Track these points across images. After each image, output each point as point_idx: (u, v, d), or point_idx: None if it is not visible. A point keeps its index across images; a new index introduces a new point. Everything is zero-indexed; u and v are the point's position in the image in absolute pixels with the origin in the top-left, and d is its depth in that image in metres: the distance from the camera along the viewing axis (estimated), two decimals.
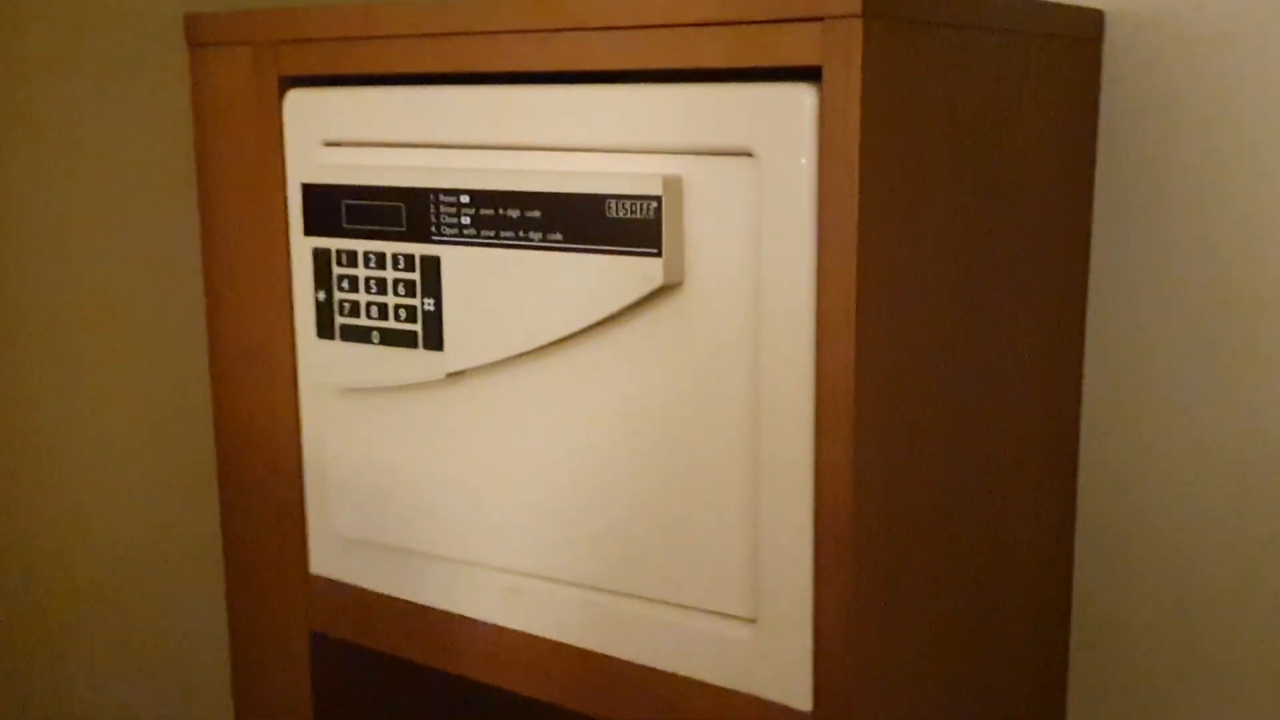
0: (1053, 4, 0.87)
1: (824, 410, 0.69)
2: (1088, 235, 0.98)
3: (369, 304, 0.83)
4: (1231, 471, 0.96)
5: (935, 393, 0.77)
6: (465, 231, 0.78)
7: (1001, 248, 0.83)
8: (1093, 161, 0.97)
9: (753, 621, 0.74)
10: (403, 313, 0.81)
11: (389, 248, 0.81)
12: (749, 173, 0.70)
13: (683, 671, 0.77)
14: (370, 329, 0.83)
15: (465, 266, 0.78)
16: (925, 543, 0.77)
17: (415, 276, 0.80)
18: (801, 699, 0.72)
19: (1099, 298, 0.99)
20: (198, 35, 0.92)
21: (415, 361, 0.82)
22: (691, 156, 0.72)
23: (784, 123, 0.68)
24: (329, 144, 0.86)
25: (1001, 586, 0.89)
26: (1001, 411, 0.86)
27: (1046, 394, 0.94)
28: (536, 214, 0.75)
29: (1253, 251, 0.93)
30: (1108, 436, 1.00)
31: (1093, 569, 1.03)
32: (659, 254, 0.72)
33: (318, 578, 0.94)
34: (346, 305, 0.84)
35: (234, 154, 0.92)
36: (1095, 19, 0.94)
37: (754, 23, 0.68)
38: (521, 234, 0.76)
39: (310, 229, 0.85)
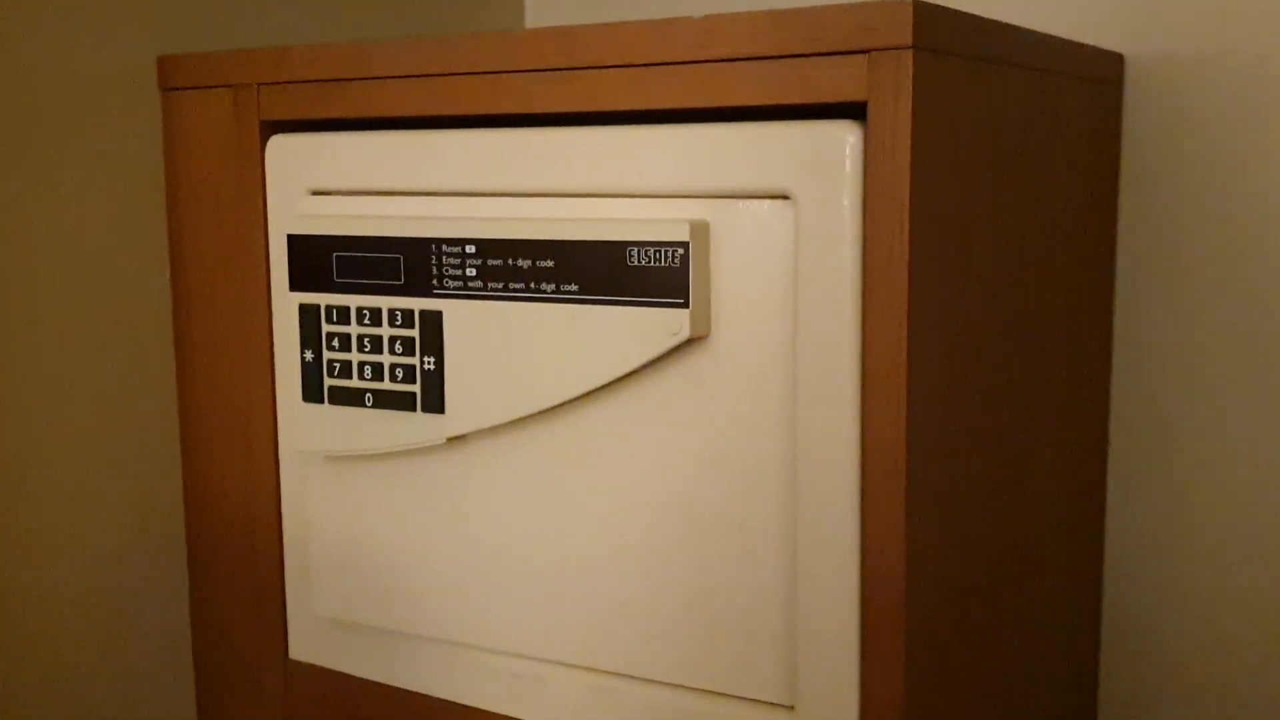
0: (1078, 44, 0.84)
1: (871, 475, 0.63)
2: (1112, 275, 0.94)
3: (362, 364, 0.76)
4: (1260, 527, 0.92)
5: (983, 449, 0.71)
6: (471, 284, 0.72)
7: (1036, 294, 0.78)
8: (1115, 199, 0.93)
9: (791, 709, 0.67)
10: (400, 372, 0.75)
11: (385, 302, 0.75)
12: (783, 217, 0.65)
13: None
14: (363, 391, 0.76)
15: (470, 322, 0.72)
16: (976, 616, 0.72)
17: (414, 333, 0.74)
18: None
19: (1124, 340, 0.95)
20: (172, 78, 0.86)
21: (413, 425, 0.75)
22: (721, 200, 0.66)
23: (825, 163, 0.63)
24: (315, 192, 0.80)
25: (1037, 652, 0.83)
26: (1038, 473, 0.81)
27: (1076, 449, 0.89)
28: (550, 264, 0.69)
29: (1275, 291, 0.89)
30: (1135, 485, 0.96)
31: (1121, 635, 0.97)
32: (686, 305, 0.66)
33: (297, 663, 0.86)
34: (337, 365, 0.77)
35: (211, 205, 0.85)
36: (1116, 61, 0.91)
37: (791, 56, 0.63)
38: (533, 285, 0.70)
39: (297, 283, 0.78)
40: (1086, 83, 0.85)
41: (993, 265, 0.71)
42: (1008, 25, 0.71)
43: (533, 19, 1.19)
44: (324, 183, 0.79)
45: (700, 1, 1.07)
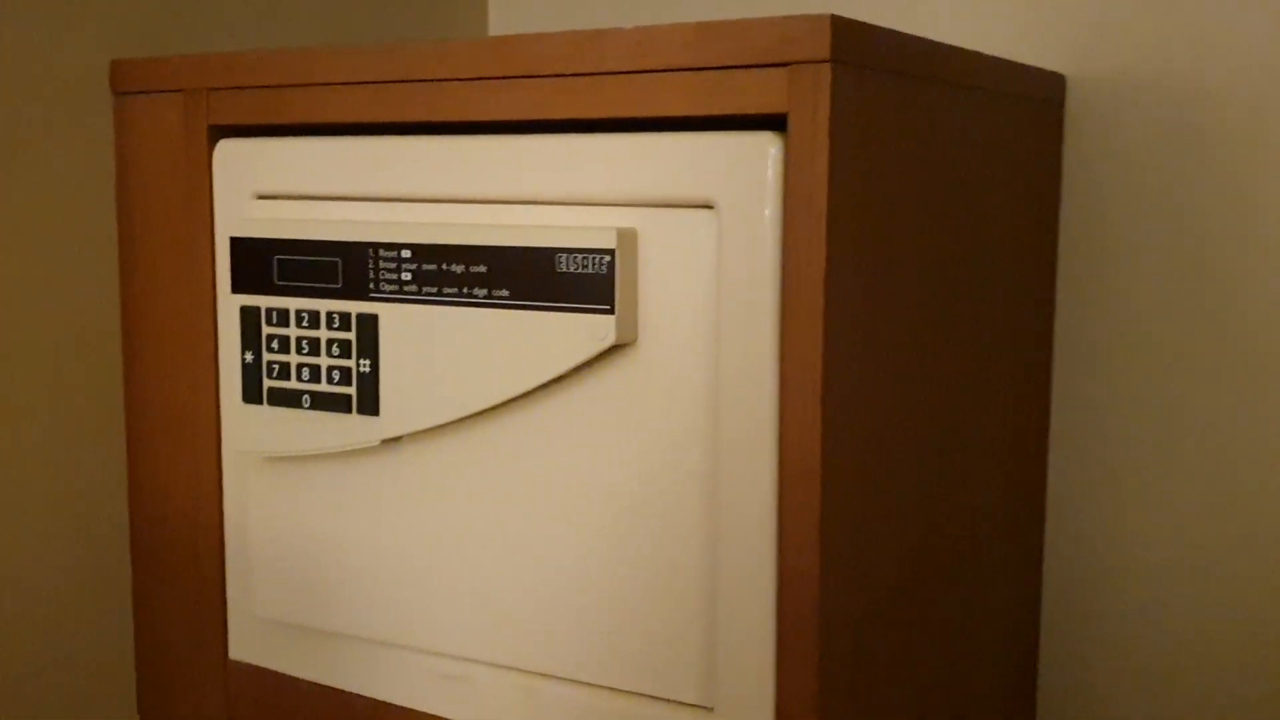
0: (1018, 65, 0.85)
1: (787, 480, 0.64)
2: (1052, 296, 0.95)
3: (300, 366, 0.77)
4: (1200, 532, 0.93)
5: (904, 460, 0.72)
6: (406, 288, 0.73)
7: (968, 306, 0.79)
8: (1056, 218, 0.95)
9: (709, 710, 0.68)
10: (336, 375, 0.76)
11: (323, 305, 0.76)
12: (708, 226, 0.66)
13: None
14: (301, 392, 0.77)
15: (405, 325, 0.73)
16: (900, 617, 0.72)
17: (351, 336, 0.75)
18: None
19: (1064, 353, 0.96)
20: (124, 82, 0.87)
21: (348, 427, 0.76)
22: (648, 209, 0.68)
23: (747, 173, 0.64)
24: (261, 196, 0.81)
25: (971, 652, 0.84)
26: (969, 479, 0.82)
27: (1013, 459, 0.90)
28: (482, 269, 0.70)
29: (1214, 311, 0.91)
30: (1072, 506, 0.97)
31: (1060, 641, 0.98)
32: (611, 311, 0.67)
33: (237, 664, 0.87)
34: (276, 367, 0.78)
35: (160, 207, 0.86)
36: (1058, 82, 0.92)
37: (718, 68, 0.64)
38: (466, 291, 0.71)
39: (239, 285, 0.79)
40: (1026, 102, 0.87)
41: (919, 277, 0.72)
42: (937, 43, 0.72)
43: (496, 27, 1.20)
44: (269, 187, 0.80)
45: (655, 11, 1.09)
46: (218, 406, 0.84)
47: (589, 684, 0.72)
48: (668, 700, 0.70)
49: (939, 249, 0.75)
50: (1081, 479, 0.96)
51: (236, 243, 0.79)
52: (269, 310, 0.78)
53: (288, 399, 0.78)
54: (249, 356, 0.79)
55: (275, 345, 0.78)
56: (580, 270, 0.68)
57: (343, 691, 0.82)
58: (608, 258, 0.67)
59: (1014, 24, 0.95)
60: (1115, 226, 0.93)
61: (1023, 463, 0.92)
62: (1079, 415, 0.96)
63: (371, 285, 0.74)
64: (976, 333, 0.81)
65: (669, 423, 0.68)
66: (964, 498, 0.81)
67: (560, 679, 0.73)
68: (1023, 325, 0.89)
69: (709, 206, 0.66)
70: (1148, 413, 0.94)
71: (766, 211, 0.64)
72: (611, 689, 0.71)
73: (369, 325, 0.74)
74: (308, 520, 0.81)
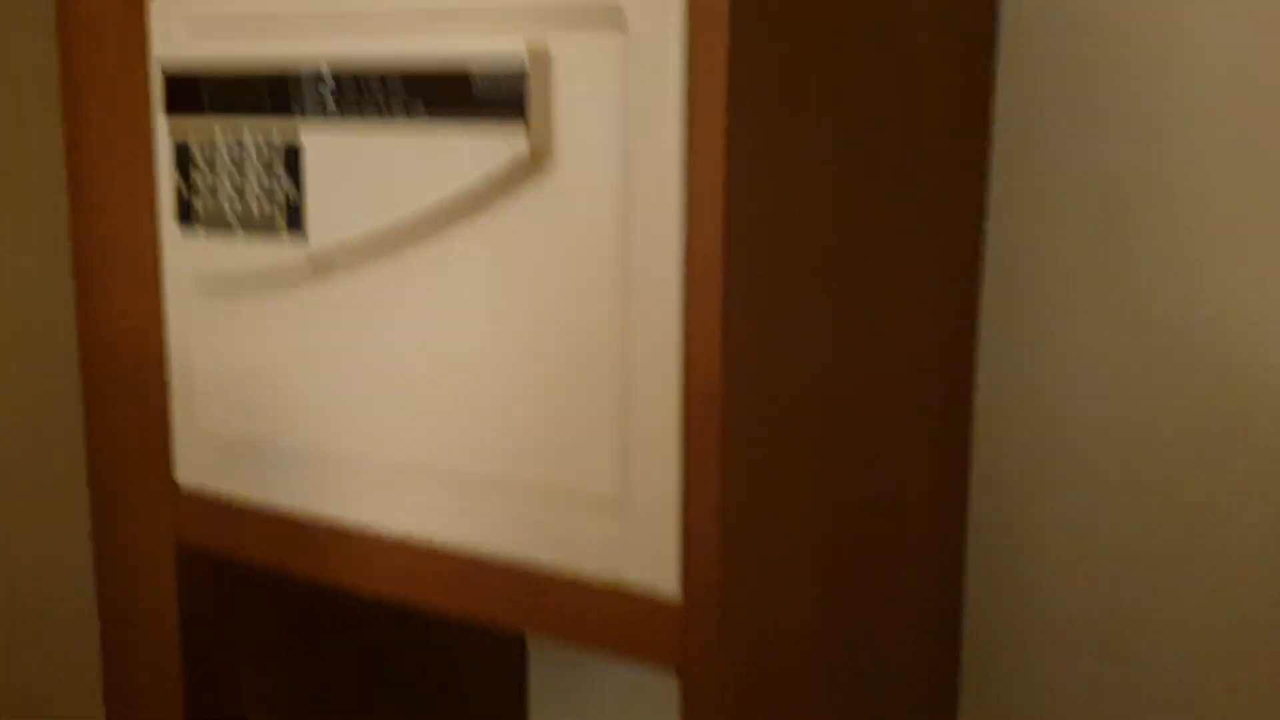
0: None
1: (692, 288, 0.67)
2: (986, 143, 0.97)
3: (230, 189, 0.79)
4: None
5: (812, 271, 0.75)
6: (329, 110, 0.75)
7: (886, 143, 0.81)
8: (991, 82, 0.96)
9: (622, 507, 0.72)
10: (264, 197, 0.78)
11: (251, 128, 0.78)
12: (618, 42, 0.68)
13: (554, 562, 0.74)
14: (231, 215, 0.80)
15: (328, 146, 0.75)
16: (803, 430, 0.76)
17: (277, 158, 0.77)
18: (669, 586, 0.70)
19: (999, 213, 0.98)
20: None
21: (277, 247, 0.78)
22: (561, 30, 0.69)
23: None
24: (194, 23, 0.82)
25: (890, 494, 0.88)
26: (888, 298, 0.84)
27: (941, 287, 0.92)
28: (400, 88, 0.72)
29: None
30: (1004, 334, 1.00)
31: (989, 479, 1.02)
32: (524, 122, 0.69)
33: (184, 487, 0.90)
34: (207, 191, 0.80)
35: (98, 40, 0.88)
36: None
37: None
38: (385, 110, 0.73)
39: (171, 112, 0.81)
40: None
41: (833, 108, 0.74)
42: None
43: None
44: (201, 11, 0.82)
45: None
46: (157, 234, 0.87)
47: (512, 487, 0.75)
48: (585, 499, 0.73)
49: (857, 82, 0.76)
50: (1014, 311, 0.99)
51: (169, 69, 0.81)
52: (199, 136, 0.80)
53: (219, 222, 0.80)
54: (182, 182, 0.81)
55: (205, 170, 0.80)
56: (494, 85, 0.69)
57: (281, 509, 0.85)
58: (520, 71, 0.69)
59: None
60: (1056, 94, 0.94)
61: (951, 292, 0.94)
62: (1012, 241, 0.98)
63: (295, 108, 0.76)
64: (895, 173, 0.83)
65: (584, 238, 0.70)
66: (883, 324, 0.84)
67: (485, 482, 0.76)
68: (946, 160, 0.91)
69: (620, 24, 0.67)
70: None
71: (671, 18, 0.65)
72: (533, 491, 0.75)
73: (293, 147, 0.76)
74: (246, 345, 0.84)
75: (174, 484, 0.91)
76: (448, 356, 0.76)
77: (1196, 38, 0.90)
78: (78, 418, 0.97)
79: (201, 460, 0.89)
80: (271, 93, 0.77)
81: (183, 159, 0.81)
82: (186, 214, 0.82)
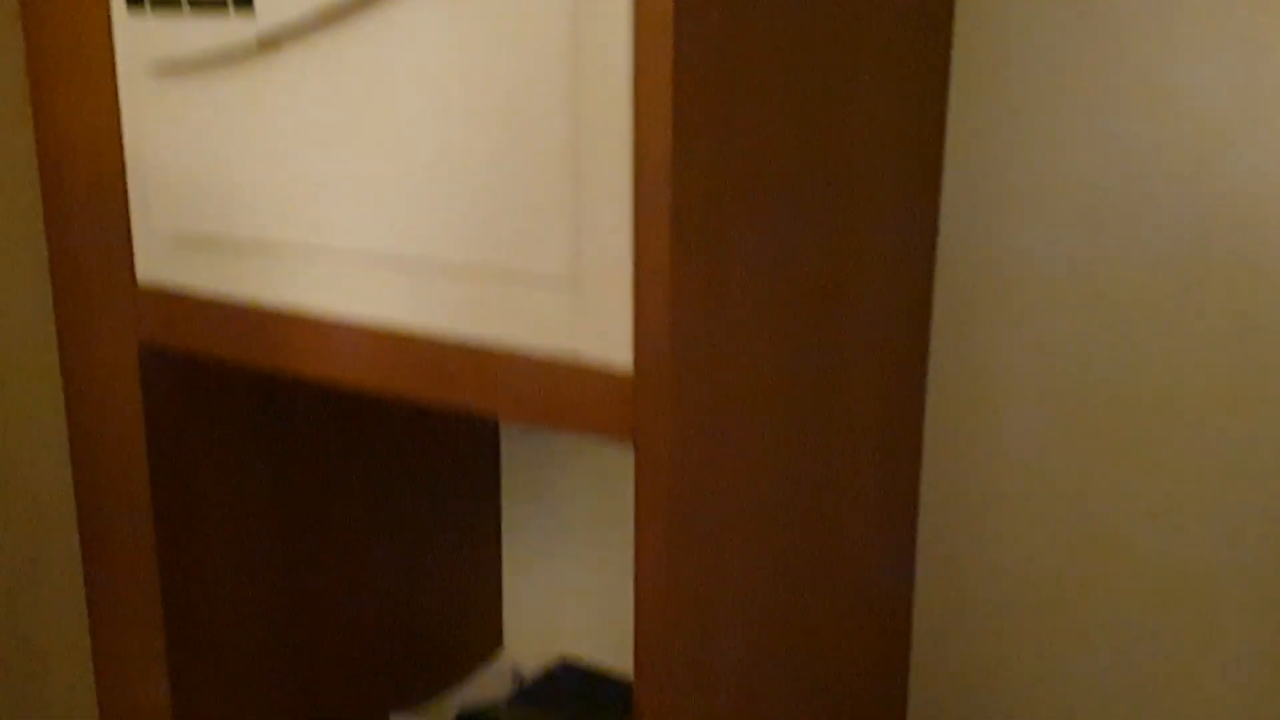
0: None
1: (642, 56, 0.66)
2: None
3: None
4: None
5: (769, 54, 0.74)
6: None
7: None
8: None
9: (576, 284, 0.72)
10: None
11: None
12: None
13: (511, 342, 0.75)
14: None
15: None
16: (755, 203, 0.76)
17: None
18: (623, 358, 0.71)
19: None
20: None
21: (226, 26, 0.77)
22: None
23: None
24: None
25: (851, 276, 0.88)
26: (850, 110, 0.83)
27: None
28: None
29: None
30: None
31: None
32: None
33: (143, 283, 0.90)
34: None
35: None
36: None
37: None
38: None
39: None
40: None
41: None
42: None
43: None
44: None
45: None
46: (109, 23, 0.85)
47: (465, 266, 0.76)
48: (538, 274, 0.73)
49: None
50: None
51: None
52: None
53: (169, 2, 0.78)
54: None
55: None
56: None
57: (240, 300, 0.85)
58: None
59: None
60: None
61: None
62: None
63: None
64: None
65: (531, 9, 0.69)
66: (844, 109, 0.83)
67: (438, 263, 0.76)
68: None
69: None
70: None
71: None
72: (486, 268, 0.75)
73: None
74: (200, 135, 0.83)
75: (134, 279, 0.90)
76: (398, 136, 0.75)
77: None
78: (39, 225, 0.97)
79: (160, 255, 0.88)
80: None
81: None
82: None
